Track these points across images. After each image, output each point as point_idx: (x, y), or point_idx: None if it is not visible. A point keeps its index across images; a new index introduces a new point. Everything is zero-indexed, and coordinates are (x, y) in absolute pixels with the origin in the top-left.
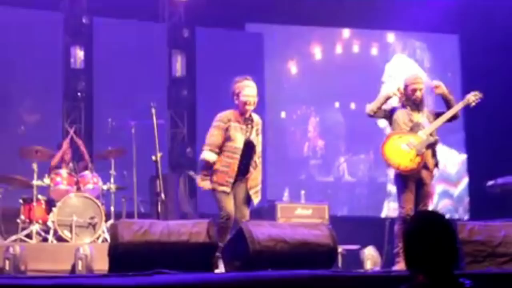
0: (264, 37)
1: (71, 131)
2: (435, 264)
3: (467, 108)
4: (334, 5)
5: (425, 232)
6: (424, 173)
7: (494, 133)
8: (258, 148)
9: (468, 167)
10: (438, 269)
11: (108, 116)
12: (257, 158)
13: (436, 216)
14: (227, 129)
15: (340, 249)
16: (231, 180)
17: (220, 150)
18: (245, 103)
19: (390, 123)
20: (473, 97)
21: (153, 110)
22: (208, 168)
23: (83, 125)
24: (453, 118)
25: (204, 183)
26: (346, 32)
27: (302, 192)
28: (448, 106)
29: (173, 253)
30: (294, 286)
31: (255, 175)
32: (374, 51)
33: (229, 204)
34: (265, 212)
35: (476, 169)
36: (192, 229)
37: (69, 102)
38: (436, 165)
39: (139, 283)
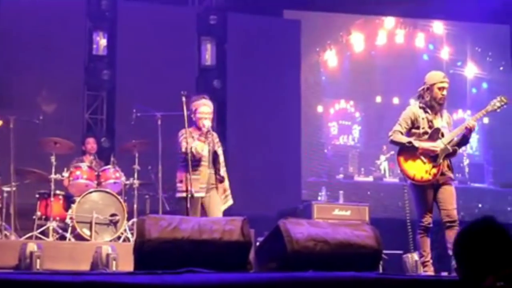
0: (302, 24)
1: None
2: (501, 264)
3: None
4: None
5: (474, 237)
6: (441, 177)
7: None
8: (221, 158)
9: None
10: (507, 269)
11: (132, 107)
12: (222, 168)
13: (483, 219)
14: (192, 138)
15: None
16: (204, 186)
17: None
18: (199, 119)
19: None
20: (498, 103)
21: (184, 99)
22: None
23: (105, 116)
24: (464, 142)
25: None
26: (389, 21)
27: (341, 192)
28: (466, 140)
29: (204, 252)
30: None
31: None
32: (419, 41)
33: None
34: (300, 213)
35: None
36: (225, 227)
37: (91, 91)
38: (452, 179)
39: (168, 282)
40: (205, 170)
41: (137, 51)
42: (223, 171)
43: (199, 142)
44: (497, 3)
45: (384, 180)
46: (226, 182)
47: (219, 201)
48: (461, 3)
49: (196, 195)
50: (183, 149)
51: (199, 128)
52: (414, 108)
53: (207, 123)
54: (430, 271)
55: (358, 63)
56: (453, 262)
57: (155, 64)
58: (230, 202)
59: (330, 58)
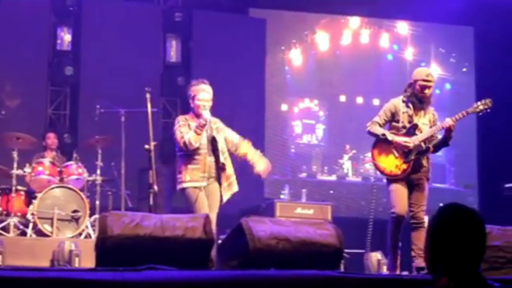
0: (267, 23)
1: None
2: (461, 264)
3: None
4: None
5: (454, 227)
6: (415, 176)
7: (508, 132)
8: (222, 145)
9: (479, 170)
10: (465, 270)
11: (95, 103)
12: (222, 154)
13: (466, 210)
14: (189, 127)
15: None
16: (205, 175)
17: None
18: (198, 107)
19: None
20: (481, 106)
21: (148, 96)
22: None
23: (68, 112)
24: (447, 140)
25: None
26: (354, 21)
27: (304, 190)
28: (445, 142)
29: (166, 248)
30: (298, 287)
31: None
32: (384, 41)
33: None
34: (263, 211)
35: (488, 172)
36: (187, 224)
37: (54, 86)
38: (428, 179)
39: (129, 278)
40: (205, 158)
41: (101, 47)
42: (222, 158)
43: (193, 134)
44: (461, 5)
45: (347, 179)
46: (229, 169)
47: (218, 193)
48: (426, 4)
49: (196, 184)
50: (178, 139)
51: (196, 115)
52: (396, 101)
53: (206, 115)
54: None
55: (322, 62)
56: (414, 263)
57: (119, 61)
58: (235, 189)
59: (295, 56)
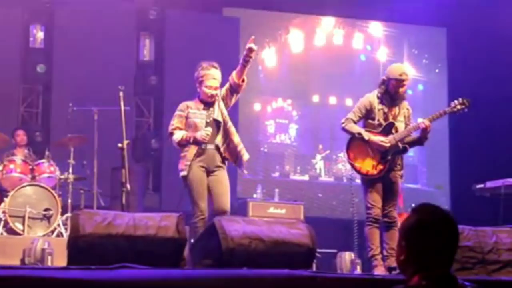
0: (241, 22)
1: None
2: (435, 263)
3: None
4: None
5: (430, 227)
6: (389, 175)
7: (479, 133)
8: (224, 114)
9: (451, 171)
10: (438, 269)
11: (68, 101)
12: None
13: (440, 210)
14: (186, 117)
15: None
16: (188, 163)
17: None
18: (207, 95)
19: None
20: (459, 105)
21: (121, 94)
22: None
23: (40, 110)
24: (421, 141)
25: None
26: (328, 21)
27: (276, 190)
28: (420, 141)
29: (138, 247)
30: (271, 286)
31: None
32: (357, 42)
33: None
34: (235, 210)
35: (460, 173)
36: (160, 223)
37: (27, 84)
38: (401, 176)
39: (101, 277)
40: (193, 147)
41: (74, 45)
42: (220, 140)
43: (182, 138)
44: (434, 6)
45: (319, 179)
46: (236, 137)
47: (223, 177)
48: (399, 5)
49: (182, 173)
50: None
51: (201, 101)
52: (371, 97)
53: (205, 135)
54: (379, 265)
55: (296, 62)
56: (386, 263)
57: (92, 58)
58: (245, 156)
59: (268, 56)
